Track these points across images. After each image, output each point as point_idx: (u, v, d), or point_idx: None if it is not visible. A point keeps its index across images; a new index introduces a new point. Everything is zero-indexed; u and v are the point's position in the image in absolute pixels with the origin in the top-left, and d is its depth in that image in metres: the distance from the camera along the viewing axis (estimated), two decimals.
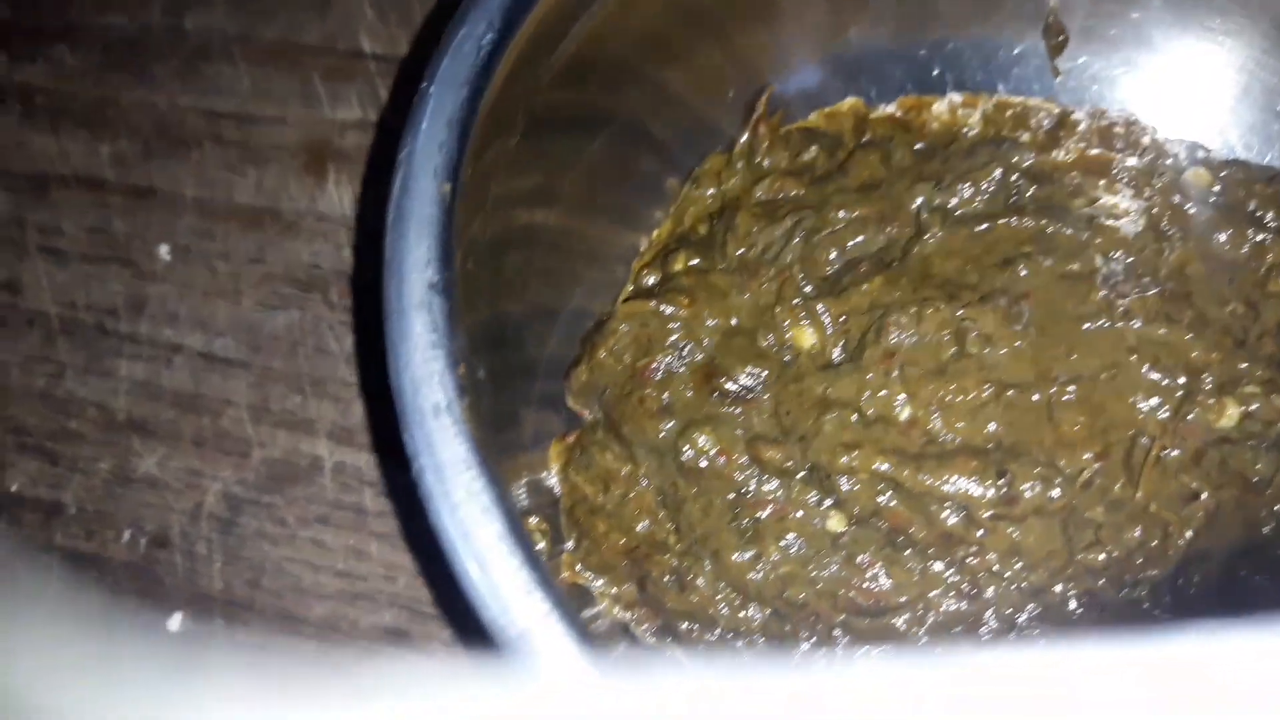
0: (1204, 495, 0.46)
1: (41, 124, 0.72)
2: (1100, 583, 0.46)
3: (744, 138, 0.56)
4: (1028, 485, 0.44)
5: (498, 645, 0.36)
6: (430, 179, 0.42)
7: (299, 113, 0.70)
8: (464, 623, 0.55)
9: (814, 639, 0.47)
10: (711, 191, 0.56)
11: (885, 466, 0.45)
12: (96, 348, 0.65)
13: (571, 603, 0.46)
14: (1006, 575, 0.45)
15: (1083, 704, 0.22)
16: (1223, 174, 0.53)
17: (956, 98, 0.60)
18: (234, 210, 0.68)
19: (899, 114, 0.59)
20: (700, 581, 0.48)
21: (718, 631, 0.48)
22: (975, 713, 0.23)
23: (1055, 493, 0.45)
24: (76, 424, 0.63)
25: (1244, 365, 0.47)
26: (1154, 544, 0.46)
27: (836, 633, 0.47)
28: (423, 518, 0.38)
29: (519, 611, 0.36)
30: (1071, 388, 0.46)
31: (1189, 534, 0.46)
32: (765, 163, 0.55)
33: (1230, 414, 0.47)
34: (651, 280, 0.55)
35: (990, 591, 0.46)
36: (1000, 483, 0.44)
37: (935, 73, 0.61)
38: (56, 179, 0.70)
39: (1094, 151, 0.56)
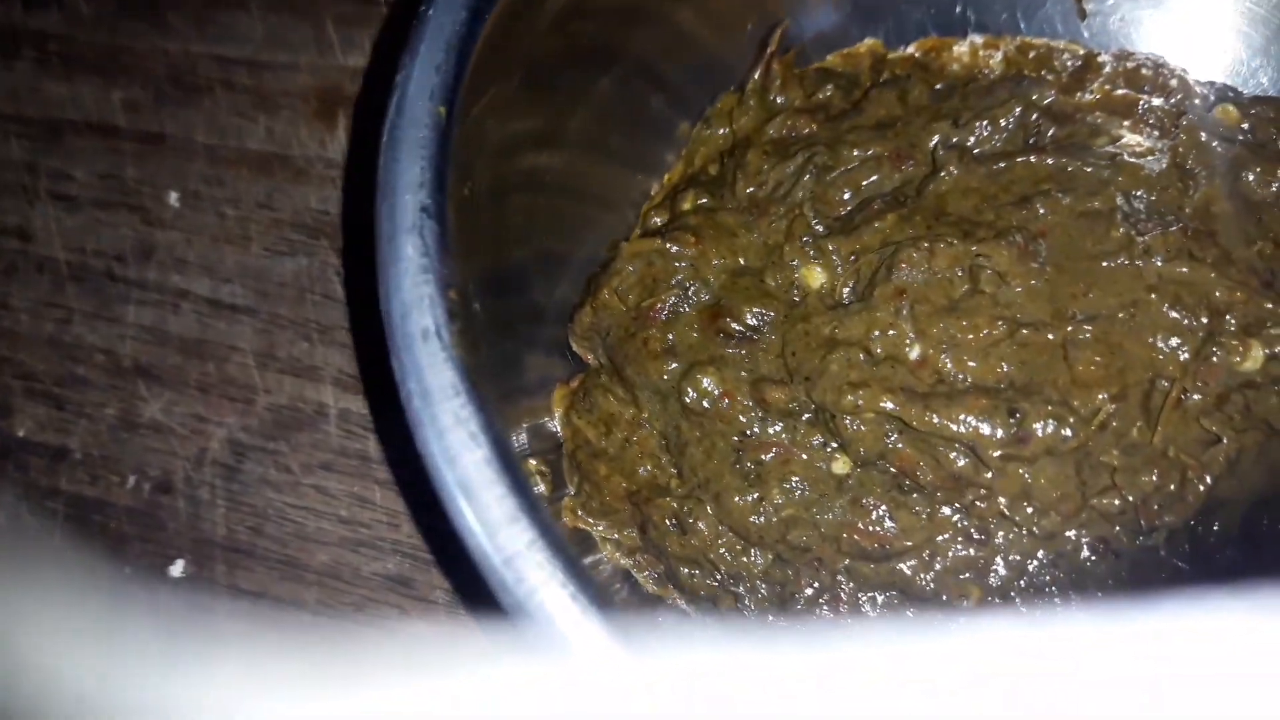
0: (1225, 440, 0.44)
1: (55, 71, 0.71)
2: (1115, 529, 0.45)
3: (757, 74, 0.55)
4: (1040, 424, 0.43)
5: (485, 574, 0.35)
6: (425, 100, 0.41)
7: (311, 59, 0.70)
8: (460, 568, 0.55)
9: (817, 584, 0.46)
10: (723, 130, 0.55)
11: (892, 405, 0.43)
12: (105, 294, 0.64)
13: (560, 527, 0.45)
14: (1017, 519, 0.44)
15: (1090, 679, 0.21)
16: (1252, 111, 0.51)
17: (978, 39, 0.58)
18: (244, 157, 0.67)
19: (918, 55, 0.57)
20: (702, 525, 0.47)
21: (719, 577, 0.47)
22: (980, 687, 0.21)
23: (1068, 433, 0.43)
24: (84, 369, 0.62)
25: (1270, 306, 0.45)
26: (1172, 490, 0.44)
27: (840, 578, 0.46)
28: (410, 445, 0.37)
29: (504, 538, 0.35)
30: (1088, 327, 0.45)
31: (1209, 480, 0.44)
32: (779, 100, 0.54)
33: (1255, 356, 0.45)
34: (659, 221, 0.53)
35: (1000, 537, 0.45)
36: (1011, 422, 0.43)
37: (957, 12, 0.59)
38: (69, 125, 0.69)
39: (1119, 93, 0.54)
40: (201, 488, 0.59)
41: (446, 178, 0.40)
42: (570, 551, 0.35)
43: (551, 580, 0.34)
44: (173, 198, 0.66)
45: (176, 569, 0.57)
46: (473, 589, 0.54)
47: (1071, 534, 0.44)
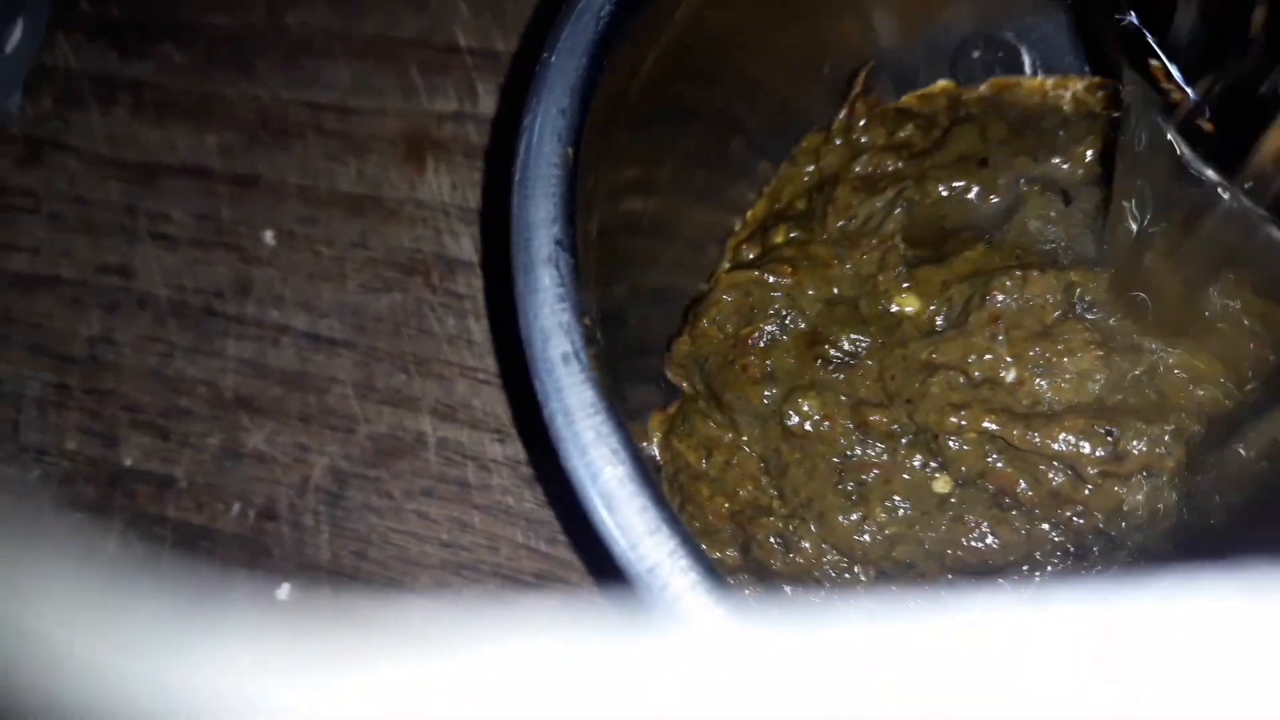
0: None
1: (150, 117, 0.74)
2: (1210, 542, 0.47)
3: (841, 115, 0.57)
4: (1136, 443, 0.45)
5: (630, 581, 0.37)
6: (555, 142, 0.44)
7: (397, 104, 0.73)
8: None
9: (921, 600, 0.48)
10: (810, 168, 0.57)
11: (994, 426, 0.45)
12: (205, 328, 0.67)
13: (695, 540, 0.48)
14: (1113, 534, 0.46)
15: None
16: None
17: (1048, 79, 0.61)
18: (336, 197, 0.70)
19: (990, 94, 0.60)
20: (806, 544, 0.49)
21: (823, 594, 0.49)
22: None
23: (1162, 450, 0.45)
24: (186, 401, 0.65)
25: None
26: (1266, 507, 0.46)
27: (943, 593, 0.48)
28: (554, 461, 0.39)
29: (646, 548, 0.37)
30: (1179, 351, 0.47)
31: None
32: (863, 139, 0.57)
33: None
34: (751, 255, 0.56)
35: (1096, 551, 0.47)
36: (1109, 440, 0.45)
37: (1024, 58, 0.62)
38: (165, 169, 0.72)
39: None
40: (305, 514, 0.61)
41: (576, 214, 0.43)
42: (708, 561, 0.37)
43: (695, 587, 0.36)
44: (268, 236, 0.69)
45: (283, 592, 0.60)
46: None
47: (1168, 548, 0.46)
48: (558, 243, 0.42)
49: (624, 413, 0.41)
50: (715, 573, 0.37)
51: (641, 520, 0.38)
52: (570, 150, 0.44)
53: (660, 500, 0.38)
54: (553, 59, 0.46)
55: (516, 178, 0.43)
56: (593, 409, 0.39)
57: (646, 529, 0.37)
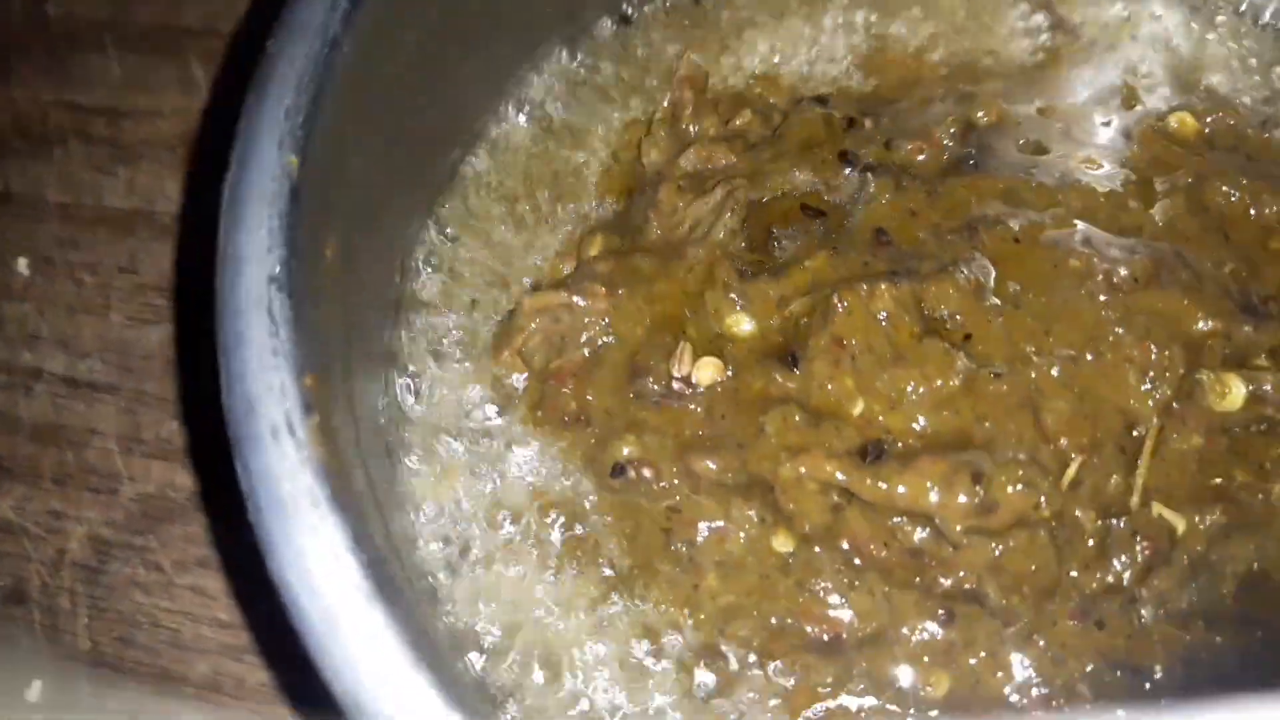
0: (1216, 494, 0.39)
1: None
2: (1098, 603, 0.39)
3: (666, 101, 0.49)
4: (1008, 489, 0.37)
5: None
6: (274, 151, 0.35)
7: (176, 102, 0.63)
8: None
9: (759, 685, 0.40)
10: (631, 162, 0.49)
11: (839, 475, 0.37)
12: None
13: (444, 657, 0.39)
14: (987, 596, 0.38)
15: None
16: (1209, 119, 0.47)
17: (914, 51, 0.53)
18: (102, 215, 0.60)
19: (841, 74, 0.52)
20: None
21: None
22: None
23: (1041, 499, 0.37)
24: None
25: (1250, 331, 0.40)
26: (1158, 553, 0.39)
27: (786, 674, 0.40)
28: (259, 566, 0.30)
29: (392, 689, 0.29)
30: (1053, 370, 0.39)
31: (1199, 548, 0.39)
32: (692, 129, 0.48)
33: (1235, 394, 0.40)
34: (567, 269, 0.47)
35: (968, 616, 0.39)
36: (976, 488, 0.37)
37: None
38: None
39: (1066, 103, 0.49)
40: (61, 595, 0.52)
41: (300, 240, 0.34)
42: (474, 701, 0.29)
43: None
44: (21, 265, 0.59)
45: (34, 692, 0.50)
46: None
47: (1050, 607, 0.39)
48: (272, 279, 0.33)
49: (356, 496, 0.32)
50: (464, 702, 0.28)
51: (376, 649, 0.29)
52: (295, 159, 0.35)
53: (408, 617, 0.29)
54: (276, 46, 0.37)
55: (224, 198, 0.34)
56: (310, 500, 0.30)
57: (384, 669, 0.29)
